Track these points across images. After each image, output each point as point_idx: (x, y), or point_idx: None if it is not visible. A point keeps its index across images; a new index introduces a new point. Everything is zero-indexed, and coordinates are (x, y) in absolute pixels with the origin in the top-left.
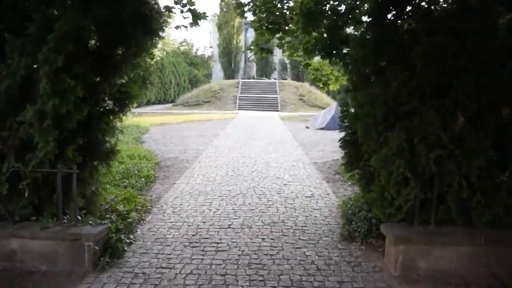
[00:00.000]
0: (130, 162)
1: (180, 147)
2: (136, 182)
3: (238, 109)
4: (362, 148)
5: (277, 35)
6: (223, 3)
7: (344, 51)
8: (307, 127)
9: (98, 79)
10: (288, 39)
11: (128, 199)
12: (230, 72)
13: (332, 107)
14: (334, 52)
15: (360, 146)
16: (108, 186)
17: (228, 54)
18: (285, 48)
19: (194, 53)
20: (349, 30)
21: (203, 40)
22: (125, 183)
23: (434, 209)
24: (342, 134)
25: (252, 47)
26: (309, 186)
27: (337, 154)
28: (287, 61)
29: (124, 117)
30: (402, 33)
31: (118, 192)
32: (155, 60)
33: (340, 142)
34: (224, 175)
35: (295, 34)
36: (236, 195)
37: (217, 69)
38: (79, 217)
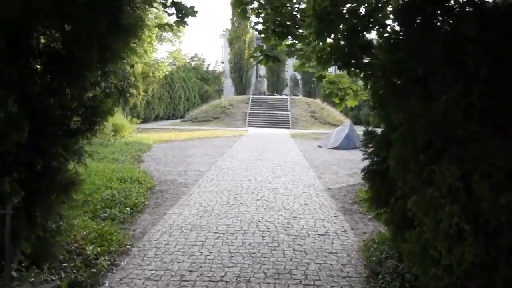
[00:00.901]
0: (119, 187)
1: (180, 168)
2: (119, 212)
3: (248, 126)
4: (394, 181)
5: (286, 42)
6: (234, 18)
7: (365, 60)
8: (319, 146)
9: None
10: (299, 45)
11: (103, 236)
12: (241, 87)
13: (346, 125)
14: (353, 61)
15: (392, 179)
16: (85, 218)
17: (239, 69)
18: (295, 57)
19: (205, 68)
20: (370, 36)
21: (215, 55)
22: (106, 214)
23: (503, 272)
24: (366, 162)
25: (255, 54)
26: (323, 219)
27: (354, 178)
28: (298, 77)
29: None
30: (449, 31)
31: (95, 226)
32: (164, 74)
33: (363, 173)
34: (224, 204)
35: (307, 40)
36: (235, 232)
37: (228, 84)
38: (19, 272)
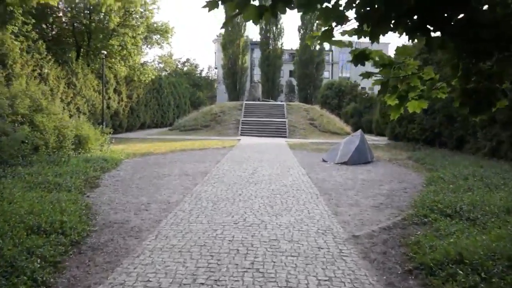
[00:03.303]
0: (19, 246)
1: (144, 197)
2: None
3: (241, 135)
4: None
5: None
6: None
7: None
8: (324, 161)
9: None
10: None
11: None
12: (235, 94)
13: (356, 135)
14: (433, 19)
15: None
16: None
17: (233, 74)
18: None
19: (198, 74)
20: None
21: (208, 60)
22: None
23: None
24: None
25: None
26: None
27: (384, 213)
28: (294, 83)
29: None
30: None
31: None
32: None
33: None
34: (189, 282)
35: None
36: None
37: (221, 90)
38: None
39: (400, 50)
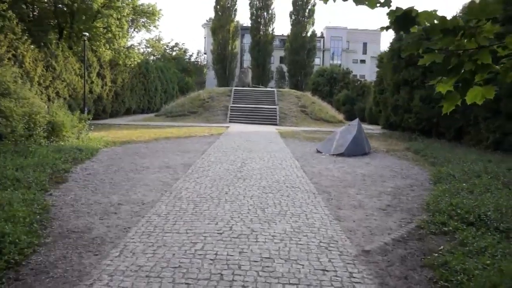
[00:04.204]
0: None
1: (115, 196)
2: None
3: (229, 122)
4: None
5: None
6: (218, 6)
7: None
8: (318, 151)
9: None
10: None
11: None
12: (224, 79)
13: (353, 125)
14: None
15: None
16: None
17: (222, 60)
18: None
19: (187, 59)
20: None
21: (197, 45)
22: None
23: None
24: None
25: None
26: None
27: (393, 218)
28: (285, 69)
29: None
30: None
31: None
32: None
33: None
34: None
35: None
36: None
37: (211, 76)
38: None
39: (474, 9)
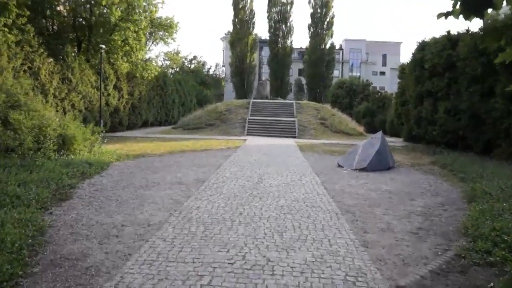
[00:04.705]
0: None
1: (120, 216)
2: None
3: (247, 135)
4: None
5: None
6: (236, 20)
7: None
8: (339, 166)
9: None
10: None
11: None
12: (242, 92)
13: (376, 138)
14: None
15: None
16: None
17: (240, 73)
18: None
19: (205, 72)
20: None
21: (216, 58)
22: None
23: None
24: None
25: None
26: None
27: (424, 242)
28: (303, 82)
29: None
30: None
31: None
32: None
33: None
34: None
35: None
36: None
37: (229, 89)
38: None
39: None
